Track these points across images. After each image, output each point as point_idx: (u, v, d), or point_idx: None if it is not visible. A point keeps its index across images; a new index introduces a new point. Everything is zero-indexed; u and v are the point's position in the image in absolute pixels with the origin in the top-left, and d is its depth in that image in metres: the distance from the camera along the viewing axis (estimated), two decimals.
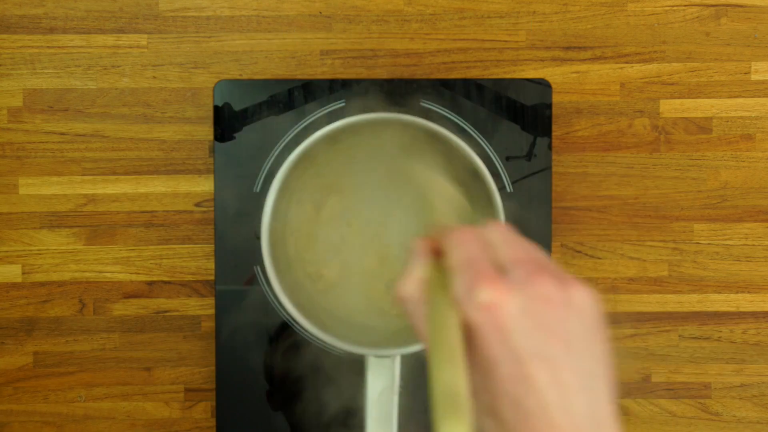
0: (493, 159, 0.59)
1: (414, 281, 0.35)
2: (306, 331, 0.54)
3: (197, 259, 0.61)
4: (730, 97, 0.61)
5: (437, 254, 0.36)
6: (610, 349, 0.33)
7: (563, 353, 0.31)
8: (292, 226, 0.57)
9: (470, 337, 0.31)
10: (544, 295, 0.32)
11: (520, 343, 0.30)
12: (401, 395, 0.59)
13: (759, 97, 0.61)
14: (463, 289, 0.31)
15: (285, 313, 0.57)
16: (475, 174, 0.53)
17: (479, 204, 0.56)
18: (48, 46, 0.61)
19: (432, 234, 0.37)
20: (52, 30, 0.61)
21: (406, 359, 0.59)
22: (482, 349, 0.31)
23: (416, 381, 0.60)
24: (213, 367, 0.61)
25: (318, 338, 0.53)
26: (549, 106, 0.59)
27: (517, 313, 0.31)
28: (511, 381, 0.30)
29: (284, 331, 0.59)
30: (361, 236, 0.57)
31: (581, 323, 0.33)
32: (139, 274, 0.61)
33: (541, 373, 0.30)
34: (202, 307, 0.61)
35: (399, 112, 0.55)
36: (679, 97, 0.61)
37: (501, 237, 0.35)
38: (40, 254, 0.61)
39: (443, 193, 0.51)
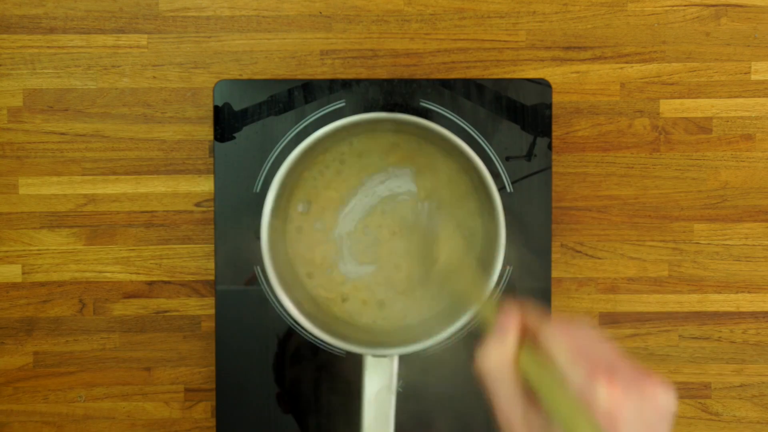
0: (493, 159, 0.59)
1: (503, 354, 0.37)
2: (305, 330, 0.54)
3: (197, 259, 0.61)
4: (730, 97, 0.61)
5: (524, 334, 0.38)
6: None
7: None
8: (292, 226, 0.57)
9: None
10: (648, 398, 0.35)
11: None
12: (398, 395, 0.59)
13: (759, 97, 0.61)
14: (582, 384, 0.34)
15: (285, 313, 0.57)
16: (476, 174, 0.53)
17: (480, 204, 0.56)
18: (48, 46, 0.61)
19: (516, 312, 0.39)
20: (52, 30, 0.61)
21: (403, 359, 0.59)
22: None
23: (415, 382, 0.60)
24: (213, 367, 0.61)
25: (317, 338, 0.53)
26: (549, 106, 0.59)
27: (631, 416, 0.34)
28: None
29: (292, 334, 0.59)
30: (361, 236, 0.57)
31: (668, 421, 0.37)
32: (139, 274, 0.61)
33: None
34: (202, 307, 0.61)
35: (399, 112, 0.55)
36: (679, 97, 0.61)
37: (593, 336, 0.37)
38: (40, 254, 0.61)
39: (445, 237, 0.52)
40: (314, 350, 0.59)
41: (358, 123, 0.53)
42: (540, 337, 0.37)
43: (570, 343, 0.36)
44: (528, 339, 0.38)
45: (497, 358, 0.37)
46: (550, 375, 0.36)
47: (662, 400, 0.36)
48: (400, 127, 0.55)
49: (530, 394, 0.36)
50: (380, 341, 0.53)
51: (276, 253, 0.53)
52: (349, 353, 0.58)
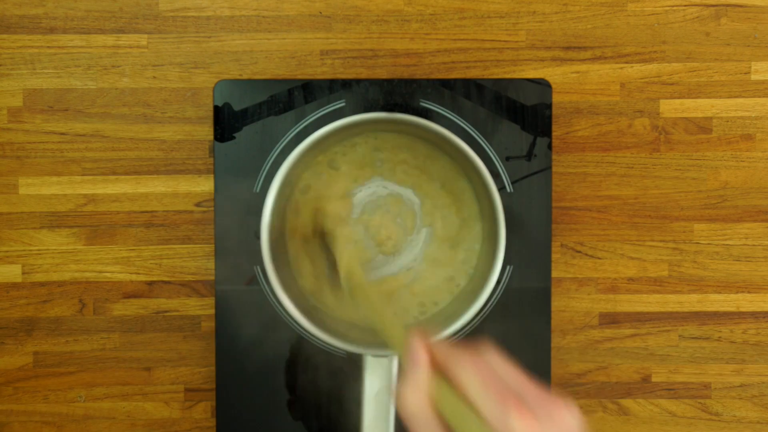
0: (493, 159, 0.59)
1: (419, 394, 0.38)
2: (305, 330, 0.54)
3: (197, 259, 0.61)
4: (730, 97, 0.61)
5: (435, 367, 0.38)
6: None
7: None
8: (292, 226, 0.57)
9: None
10: (557, 421, 0.36)
11: None
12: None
13: (759, 97, 0.61)
14: (495, 415, 0.35)
15: (284, 313, 0.57)
16: (475, 174, 0.53)
17: (480, 204, 0.56)
18: (48, 46, 0.61)
19: (424, 346, 0.40)
20: (52, 30, 0.61)
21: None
22: None
23: None
24: (213, 367, 0.61)
25: (317, 338, 0.53)
26: (549, 106, 0.59)
27: None
28: None
29: (303, 340, 0.59)
30: (361, 236, 0.57)
31: None
32: (139, 274, 0.61)
33: None
34: (202, 307, 0.61)
35: (399, 112, 0.55)
36: (679, 97, 0.61)
37: (499, 362, 0.38)
38: (40, 254, 0.61)
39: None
40: (327, 356, 0.59)
41: (358, 123, 0.53)
42: (450, 369, 0.38)
43: (478, 372, 0.37)
44: (440, 372, 0.38)
45: (413, 399, 0.37)
46: (463, 408, 0.36)
47: (570, 421, 0.37)
48: (399, 127, 0.55)
49: (450, 429, 0.37)
50: (380, 341, 0.53)
51: (276, 253, 0.53)
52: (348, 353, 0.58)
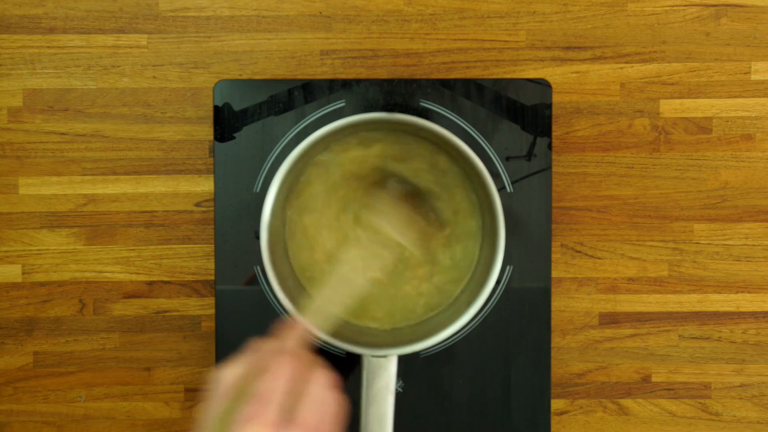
0: (493, 159, 0.59)
1: (229, 376, 0.41)
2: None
3: (197, 259, 0.61)
4: (730, 97, 0.61)
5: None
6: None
7: None
8: (291, 226, 0.57)
9: None
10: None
11: None
12: (398, 395, 0.59)
13: (759, 97, 0.61)
14: (241, 419, 0.38)
15: (282, 311, 0.57)
16: (475, 174, 0.53)
17: (479, 204, 0.56)
18: (48, 46, 0.61)
19: (274, 337, 0.44)
20: (52, 30, 0.61)
21: (402, 359, 0.59)
22: None
23: (412, 381, 0.60)
24: (213, 367, 0.61)
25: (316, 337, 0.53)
26: (549, 106, 0.59)
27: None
28: None
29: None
30: (360, 236, 0.57)
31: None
32: (139, 274, 0.61)
33: None
34: (202, 307, 0.61)
35: (399, 112, 0.55)
36: (679, 97, 0.61)
37: (317, 388, 0.41)
38: (40, 254, 0.61)
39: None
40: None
41: (358, 123, 0.53)
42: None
43: (273, 380, 0.39)
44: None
45: (225, 376, 0.42)
46: (232, 400, 0.40)
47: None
48: (399, 127, 0.55)
49: None
50: (379, 342, 0.53)
51: (275, 252, 0.53)
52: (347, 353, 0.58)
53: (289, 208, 0.56)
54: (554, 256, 0.61)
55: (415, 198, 0.56)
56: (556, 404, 0.61)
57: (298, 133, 0.59)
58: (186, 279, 0.61)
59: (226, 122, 0.59)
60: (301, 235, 0.57)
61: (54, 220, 0.61)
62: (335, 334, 0.51)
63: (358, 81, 0.59)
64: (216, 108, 0.59)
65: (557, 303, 0.61)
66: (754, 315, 0.61)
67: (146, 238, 0.61)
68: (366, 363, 0.51)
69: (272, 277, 0.52)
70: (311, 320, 0.48)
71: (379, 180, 0.56)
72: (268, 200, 0.52)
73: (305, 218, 0.57)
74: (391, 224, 0.54)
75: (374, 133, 0.56)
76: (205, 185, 0.61)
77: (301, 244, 0.57)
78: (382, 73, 0.61)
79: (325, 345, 0.59)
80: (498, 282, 0.59)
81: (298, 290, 0.56)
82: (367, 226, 0.55)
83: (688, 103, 0.61)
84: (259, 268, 0.59)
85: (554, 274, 0.61)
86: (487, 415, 0.59)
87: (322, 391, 0.41)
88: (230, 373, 0.41)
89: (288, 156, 0.52)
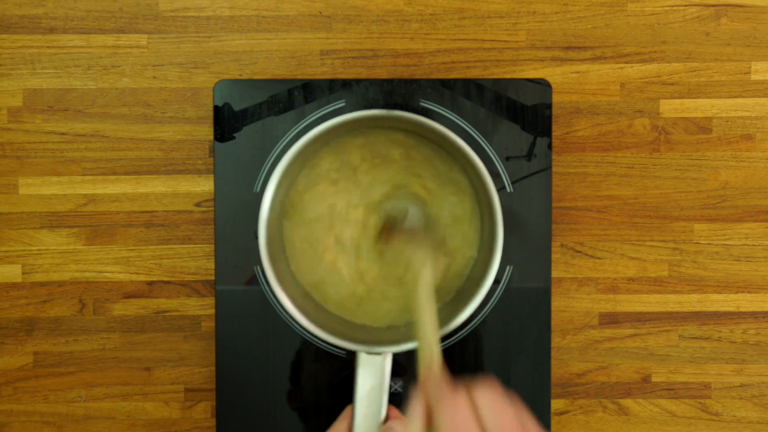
0: (493, 159, 0.59)
1: None
2: (303, 329, 0.54)
3: (197, 259, 0.61)
4: (730, 97, 0.61)
5: (429, 413, 0.39)
6: None
7: None
8: (289, 226, 0.57)
9: None
10: None
11: None
12: (398, 395, 0.59)
13: (759, 97, 0.61)
14: None
15: (282, 311, 0.57)
16: (474, 172, 0.53)
17: (479, 204, 0.56)
18: (48, 46, 0.61)
19: (423, 384, 0.40)
20: (52, 30, 0.61)
21: (402, 359, 0.59)
22: None
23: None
24: (213, 367, 0.61)
25: (313, 335, 0.53)
26: (549, 106, 0.59)
27: None
28: None
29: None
30: (359, 235, 0.57)
31: None
32: (139, 274, 0.61)
33: None
34: (202, 307, 0.61)
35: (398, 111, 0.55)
36: (679, 97, 0.61)
37: (488, 402, 0.37)
38: (40, 254, 0.61)
39: (429, 275, 0.51)
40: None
41: (355, 121, 0.53)
42: (434, 413, 0.38)
43: (452, 416, 0.36)
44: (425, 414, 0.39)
45: None
46: None
47: None
48: (398, 125, 0.55)
49: None
50: (375, 339, 0.53)
51: (273, 251, 0.53)
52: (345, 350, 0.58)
53: (287, 207, 0.56)
54: (554, 256, 0.61)
55: (418, 229, 0.56)
56: (556, 404, 0.61)
57: (298, 133, 0.59)
58: (186, 279, 0.61)
59: (226, 122, 0.59)
60: (300, 234, 0.57)
61: (54, 220, 0.61)
62: (332, 332, 0.51)
63: (358, 81, 0.59)
64: (216, 108, 0.59)
65: (557, 303, 0.61)
66: (754, 315, 0.61)
67: (146, 238, 0.61)
68: (361, 360, 0.51)
69: (271, 276, 0.52)
70: (431, 352, 0.45)
71: (384, 228, 0.56)
72: (266, 199, 0.52)
73: (303, 216, 0.57)
74: (415, 256, 0.53)
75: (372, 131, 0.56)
76: (205, 185, 0.61)
77: (301, 243, 0.57)
78: (382, 73, 0.61)
79: (323, 344, 0.59)
80: (498, 282, 0.59)
81: (296, 289, 0.56)
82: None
83: (688, 103, 0.61)
84: (259, 268, 0.59)
85: (554, 274, 0.61)
86: None
87: (499, 403, 0.38)
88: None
89: (285, 154, 0.52)
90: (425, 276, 0.50)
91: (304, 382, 0.59)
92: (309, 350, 0.59)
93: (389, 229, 0.55)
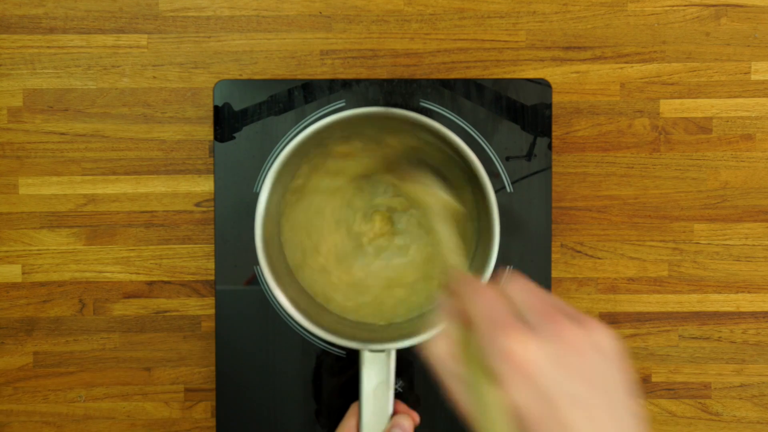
0: (493, 159, 0.59)
1: (443, 341, 0.36)
2: (303, 329, 0.54)
3: (197, 259, 0.61)
4: (730, 97, 0.61)
5: (463, 312, 0.36)
6: (632, 382, 0.34)
7: (593, 393, 0.32)
8: (287, 225, 0.57)
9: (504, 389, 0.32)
10: (568, 340, 0.33)
11: (551, 388, 0.31)
12: (397, 395, 0.59)
13: (759, 97, 0.61)
14: (487, 343, 0.32)
15: (282, 311, 0.57)
16: (472, 171, 0.53)
17: (478, 204, 0.56)
18: (48, 46, 0.61)
19: (452, 286, 0.38)
20: (52, 30, 0.61)
21: (402, 359, 0.59)
22: (513, 397, 0.32)
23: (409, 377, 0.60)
24: (213, 367, 0.61)
25: (314, 334, 0.53)
26: (549, 106, 0.59)
27: (544, 359, 0.32)
28: (546, 425, 0.31)
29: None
30: (357, 233, 0.57)
31: (606, 363, 0.34)
32: (139, 274, 0.61)
33: (575, 414, 0.31)
34: (202, 307, 0.61)
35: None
36: (679, 97, 0.61)
37: (519, 288, 0.36)
38: (40, 254, 0.61)
39: (439, 203, 0.51)
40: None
41: (353, 118, 0.52)
42: (465, 307, 0.36)
43: (483, 302, 0.34)
44: (457, 315, 0.37)
45: (437, 349, 0.36)
46: (475, 358, 0.34)
47: (602, 343, 0.33)
48: (395, 124, 0.55)
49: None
50: (377, 336, 0.53)
51: (270, 251, 0.53)
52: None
53: (284, 206, 0.56)
54: (554, 256, 0.61)
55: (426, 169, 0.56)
56: None
57: (299, 133, 0.58)
58: (186, 279, 0.61)
59: (226, 122, 0.59)
60: (298, 233, 0.57)
61: (54, 220, 0.61)
62: (333, 332, 0.51)
63: (358, 81, 0.59)
64: (216, 108, 0.59)
65: None
66: (754, 315, 0.61)
67: (146, 238, 0.61)
68: (364, 358, 0.51)
69: (269, 277, 0.52)
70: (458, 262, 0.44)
71: (391, 164, 0.56)
72: (262, 199, 0.52)
73: (301, 216, 0.57)
74: (428, 187, 0.52)
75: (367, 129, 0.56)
76: (205, 185, 0.61)
77: (300, 243, 0.57)
78: (382, 73, 0.61)
79: (324, 344, 0.59)
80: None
81: (294, 288, 0.56)
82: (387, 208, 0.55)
83: (688, 103, 0.61)
84: (259, 268, 0.59)
85: (554, 274, 0.61)
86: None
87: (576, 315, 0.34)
88: (443, 341, 0.37)
89: (282, 152, 0.52)
90: (434, 203, 0.50)
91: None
92: (326, 362, 0.59)
93: (397, 166, 0.55)
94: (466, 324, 0.36)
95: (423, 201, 0.52)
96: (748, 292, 0.61)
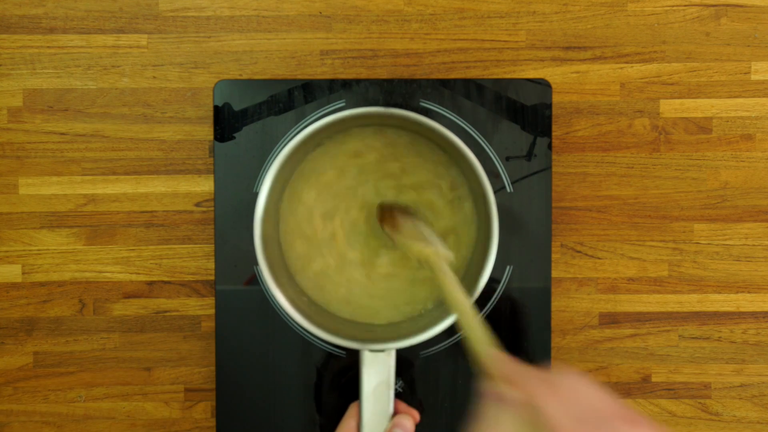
0: (493, 159, 0.59)
1: (492, 430, 0.35)
2: (302, 328, 0.54)
3: (197, 259, 0.61)
4: (730, 97, 0.61)
5: (509, 400, 0.36)
6: None
7: None
8: (286, 226, 0.57)
9: None
10: None
11: None
12: (398, 395, 0.59)
13: (759, 97, 0.61)
14: None
15: (282, 311, 0.57)
16: (471, 171, 0.53)
17: (478, 204, 0.56)
18: (48, 46, 0.61)
19: (505, 374, 0.37)
20: (52, 30, 0.61)
21: (402, 360, 0.59)
22: None
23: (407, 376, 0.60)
24: (213, 367, 0.61)
25: (314, 334, 0.53)
26: (549, 106, 0.59)
27: None
28: None
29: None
30: (357, 233, 0.57)
31: None
32: (139, 274, 0.61)
33: None
34: (202, 307, 0.61)
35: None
36: (679, 97, 0.61)
37: (584, 385, 0.36)
38: (40, 254, 0.61)
39: (434, 255, 0.50)
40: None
41: (352, 117, 0.52)
42: (534, 402, 0.35)
43: (566, 406, 0.34)
44: (520, 407, 0.36)
45: None
46: None
47: None
48: (395, 123, 0.55)
49: None
50: (377, 336, 0.53)
51: (269, 251, 0.53)
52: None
53: (283, 206, 0.56)
54: (554, 256, 0.61)
55: (410, 214, 0.56)
56: None
57: (299, 133, 0.58)
58: (186, 279, 0.61)
59: (226, 122, 0.59)
60: (298, 233, 0.57)
61: (54, 220, 0.61)
62: (333, 332, 0.51)
63: (358, 81, 0.59)
64: (216, 108, 0.59)
65: (557, 303, 0.61)
66: (754, 315, 0.61)
67: (146, 238, 0.61)
68: (364, 358, 0.51)
69: (268, 277, 0.52)
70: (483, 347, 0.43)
71: (381, 213, 0.56)
72: (261, 199, 0.52)
73: (299, 215, 0.57)
74: (414, 239, 0.52)
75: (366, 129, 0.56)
76: (205, 185, 0.61)
77: (299, 243, 0.57)
78: (382, 73, 0.61)
79: (324, 344, 0.59)
80: (498, 282, 0.59)
81: (295, 288, 0.56)
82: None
83: (688, 103, 0.61)
84: (258, 268, 0.59)
85: (554, 274, 0.61)
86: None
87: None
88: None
89: (279, 153, 0.52)
90: (436, 261, 0.49)
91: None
92: (326, 362, 0.59)
93: (388, 215, 0.55)
94: (527, 416, 0.35)
95: (420, 255, 0.51)
96: (748, 292, 0.61)
